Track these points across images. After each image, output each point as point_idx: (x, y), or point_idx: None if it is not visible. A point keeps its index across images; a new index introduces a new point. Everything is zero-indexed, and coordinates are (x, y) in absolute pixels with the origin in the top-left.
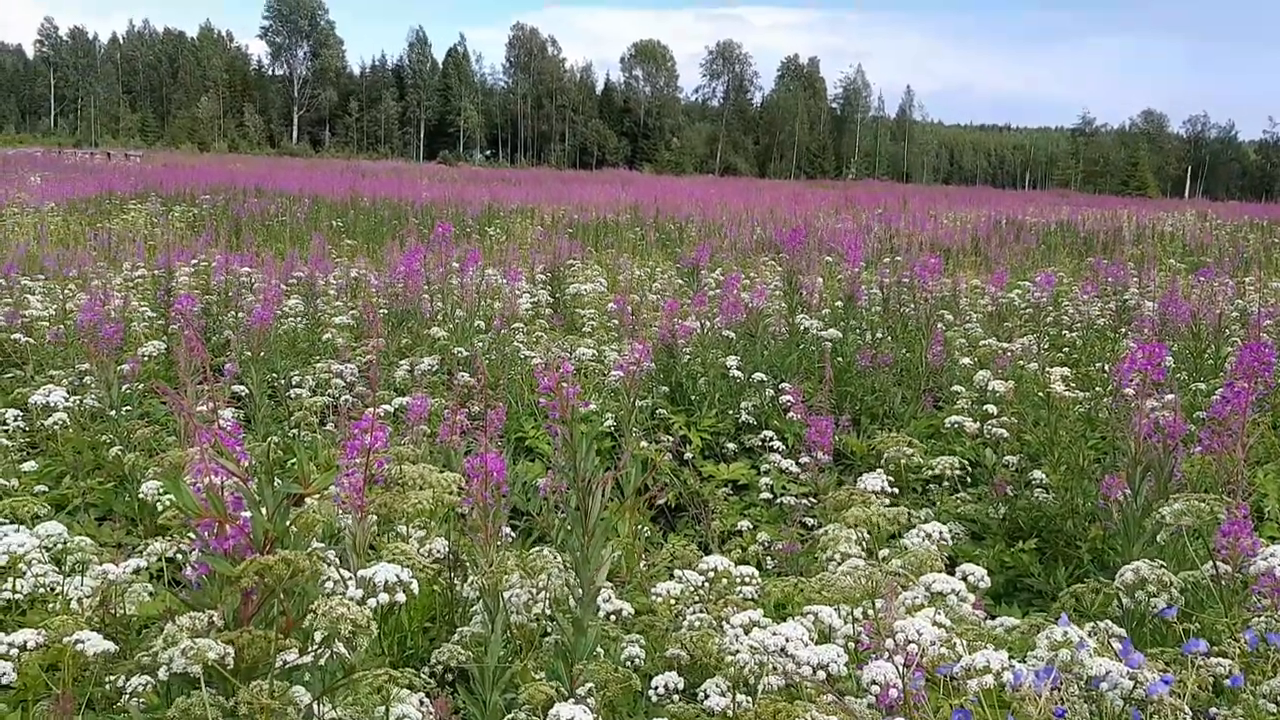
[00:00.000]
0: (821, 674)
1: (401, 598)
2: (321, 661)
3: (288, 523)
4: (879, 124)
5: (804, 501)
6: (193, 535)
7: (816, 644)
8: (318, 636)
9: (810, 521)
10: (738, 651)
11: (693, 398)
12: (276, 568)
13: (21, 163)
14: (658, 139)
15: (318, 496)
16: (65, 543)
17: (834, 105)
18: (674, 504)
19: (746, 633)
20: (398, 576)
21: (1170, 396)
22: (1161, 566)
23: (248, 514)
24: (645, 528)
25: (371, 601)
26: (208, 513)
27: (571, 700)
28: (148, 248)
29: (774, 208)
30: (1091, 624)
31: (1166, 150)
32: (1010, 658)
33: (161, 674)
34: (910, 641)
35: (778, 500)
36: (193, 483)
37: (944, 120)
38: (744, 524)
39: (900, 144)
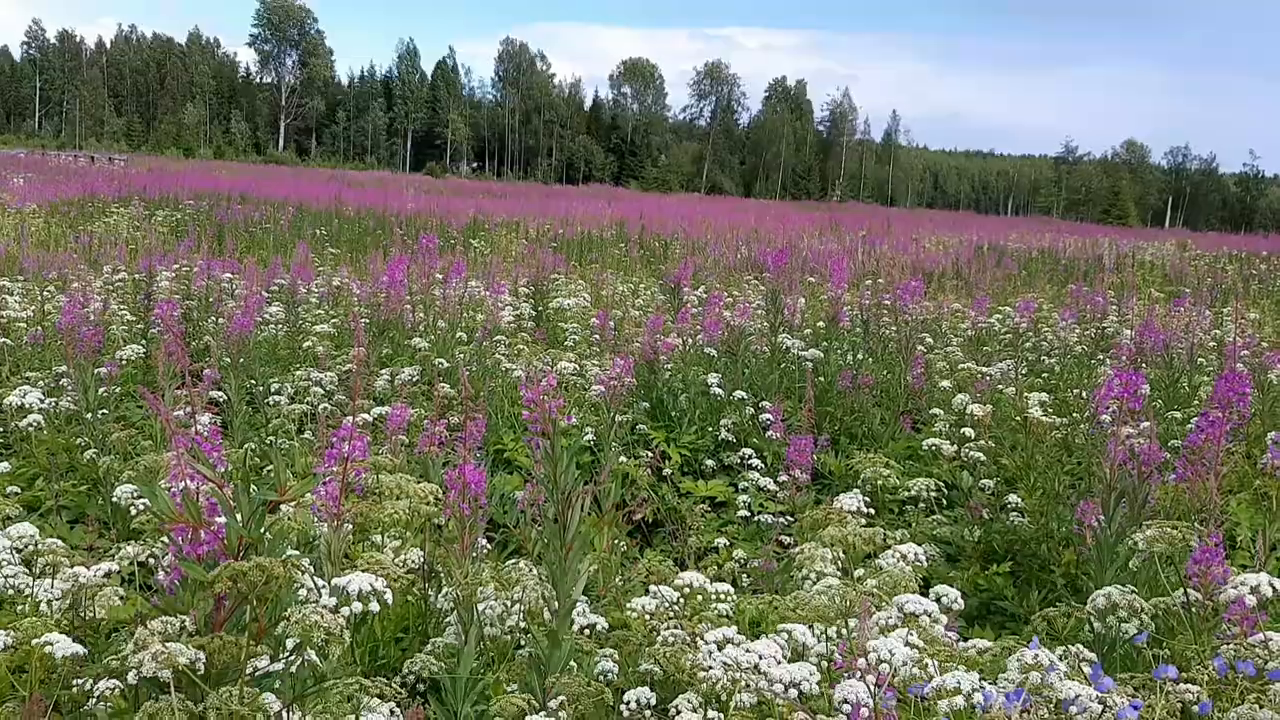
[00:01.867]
0: (794, 692)
1: (375, 607)
2: (293, 669)
3: (263, 529)
4: (865, 147)
5: (781, 520)
6: (166, 540)
7: (789, 662)
8: (290, 644)
9: (787, 540)
10: (710, 668)
11: (673, 414)
12: (251, 574)
13: (4, 163)
14: (644, 156)
15: (294, 504)
16: (36, 544)
17: (820, 128)
18: (651, 519)
19: (720, 649)
20: (371, 586)
21: (1146, 424)
22: (1133, 592)
23: (223, 520)
24: (622, 543)
25: (345, 610)
26: (183, 518)
27: (543, 713)
28: (129, 252)
29: (759, 227)
30: (1063, 648)
31: (1148, 180)
32: (982, 679)
33: (131, 678)
34: (883, 661)
35: (755, 518)
36: (169, 487)
37: (929, 145)
38: (721, 541)
39: (885, 167)
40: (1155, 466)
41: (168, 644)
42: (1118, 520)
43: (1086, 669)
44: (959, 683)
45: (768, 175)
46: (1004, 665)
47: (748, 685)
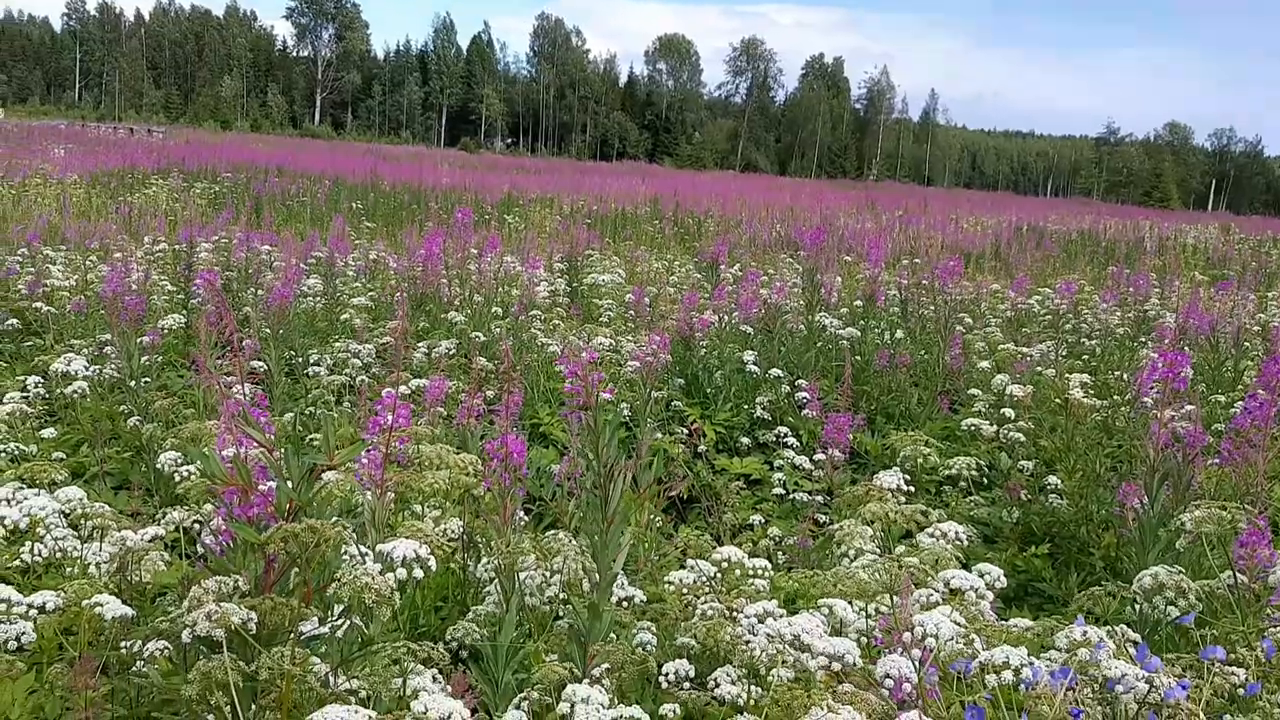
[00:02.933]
0: (837, 665)
1: (419, 573)
2: (339, 634)
3: (311, 494)
4: (902, 126)
5: (817, 498)
6: (212, 504)
7: (830, 637)
8: (338, 608)
9: (823, 518)
10: (750, 640)
11: (708, 391)
12: (303, 535)
13: (46, 135)
14: (679, 133)
15: (340, 471)
16: (84, 508)
17: (857, 106)
18: (686, 496)
19: (760, 623)
20: (415, 553)
21: (1190, 407)
22: (1180, 573)
23: (272, 484)
24: (657, 519)
25: (389, 577)
26: (233, 480)
27: (587, 681)
28: (168, 223)
29: (794, 206)
30: (1107, 628)
31: (1191, 163)
32: (1030, 656)
33: (185, 636)
34: (928, 635)
35: (790, 496)
36: (218, 452)
37: (967, 124)
38: (756, 518)
39: (923, 147)
40: (1200, 449)
41: (222, 603)
42: (1160, 502)
43: (1131, 650)
44: (1007, 658)
45: (803, 153)
46: (1049, 643)
47: (786, 660)
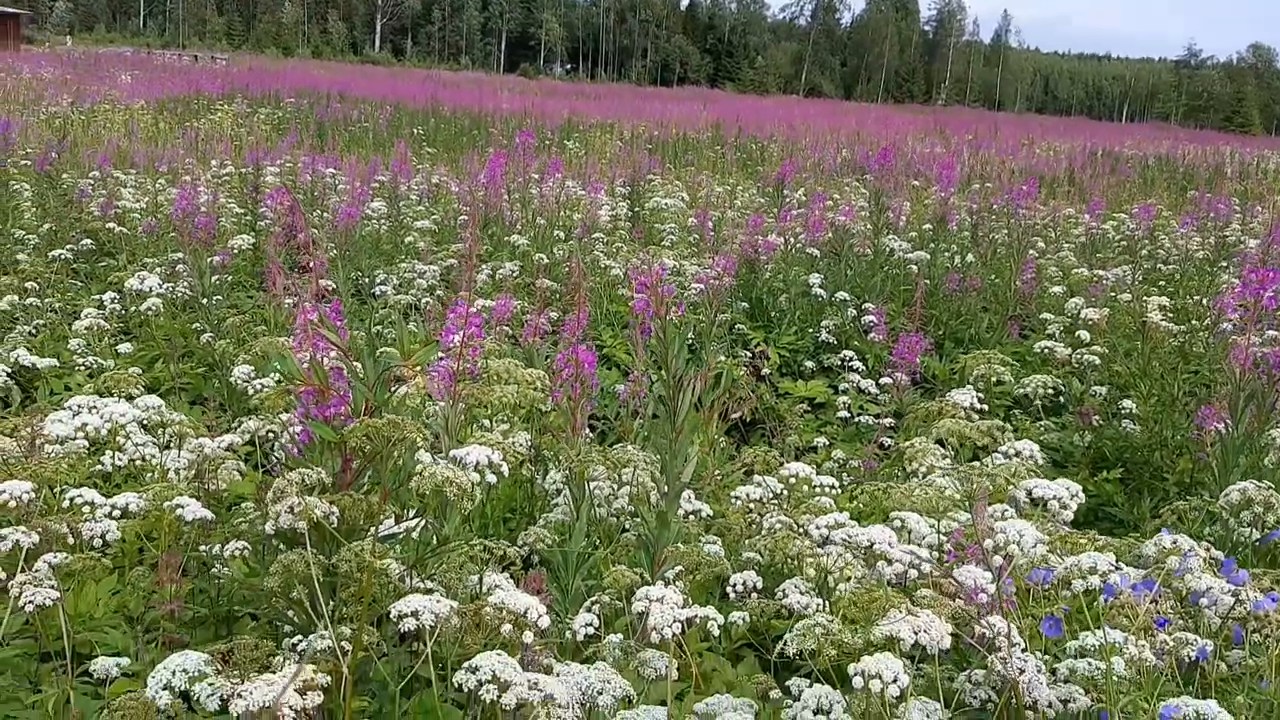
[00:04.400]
0: (914, 573)
1: (492, 478)
2: (415, 533)
3: (387, 395)
4: (972, 49)
5: (883, 421)
6: (286, 416)
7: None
8: (412, 511)
9: (888, 442)
10: (826, 543)
11: (773, 315)
12: (384, 429)
13: (112, 62)
14: (741, 57)
15: (413, 376)
16: (162, 416)
17: (926, 28)
18: (749, 420)
19: (830, 533)
20: (489, 458)
21: (1272, 333)
22: (1269, 488)
23: (348, 384)
24: (721, 440)
25: (468, 472)
26: (311, 381)
27: (660, 582)
28: (234, 147)
29: (860, 130)
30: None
31: (1275, 86)
32: (1117, 562)
33: (268, 528)
34: (1011, 543)
35: (855, 420)
36: (296, 355)
37: (1040, 47)
38: (820, 441)
39: (994, 70)
40: None
41: (305, 496)
42: (1245, 423)
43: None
44: (1094, 563)
45: (869, 78)
46: (1128, 560)
47: (854, 575)
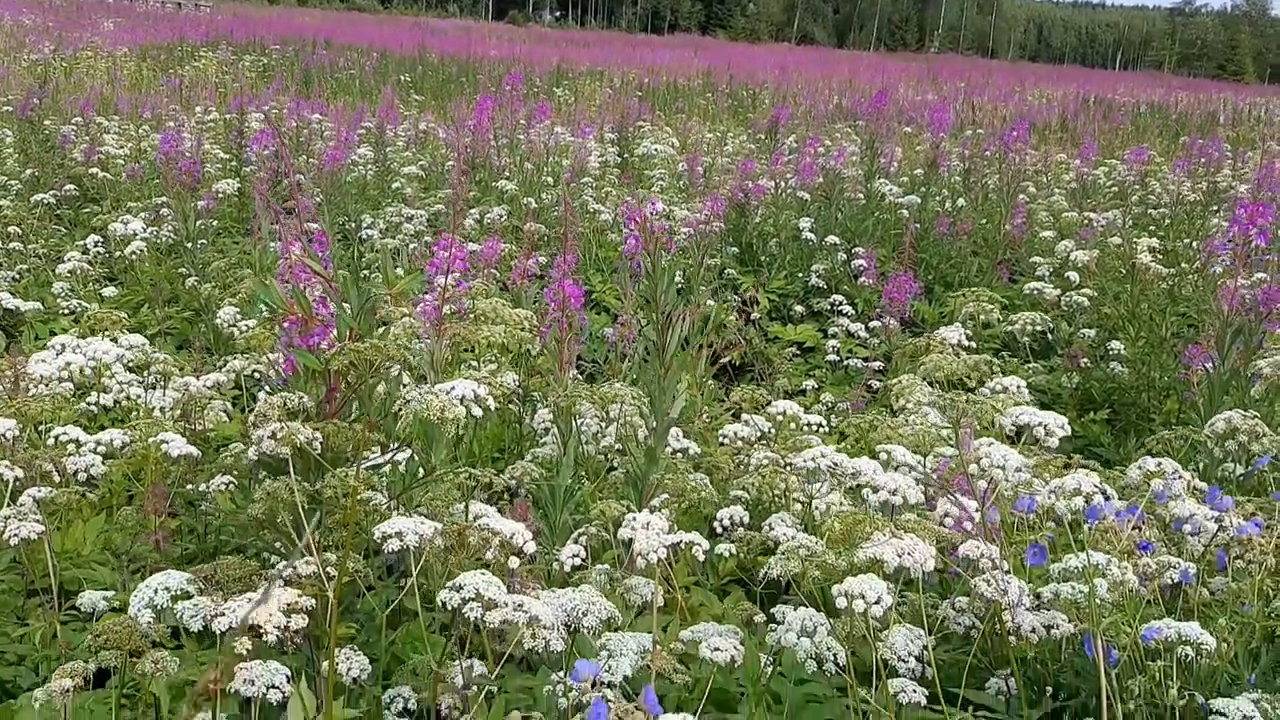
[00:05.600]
0: (898, 499)
1: (478, 412)
2: (401, 466)
3: (371, 324)
4: None
5: (872, 364)
6: (270, 358)
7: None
8: (401, 436)
9: (876, 385)
10: (812, 477)
11: (762, 259)
12: (368, 353)
13: (95, 9)
14: (733, 4)
15: (396, 311)
16: (146, 355)
17: None
18: (738, 364)
19: (818, 462)
20: (474, 392)
21: (1260, 275)
22: (1255, 417)
23: (333, 312)
24: (710, 381)
25: (454, 399)
26: (294, 309)
27: (646, 510)
28: (219, 94)
29: (853, 78)
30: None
31: (1269, 35)
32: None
33: (251, 454)
34: (996, 467)
35: (844, 363)
36: (281, 286)
37: None
38: (809, 384)
39: (987, 18)
40: (1275, 307)
41: (288, 423)
42: (1232, 359)
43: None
44: (1079, 484)
45: (862, 25)
46: (1114, 488)
47: (840, 504)
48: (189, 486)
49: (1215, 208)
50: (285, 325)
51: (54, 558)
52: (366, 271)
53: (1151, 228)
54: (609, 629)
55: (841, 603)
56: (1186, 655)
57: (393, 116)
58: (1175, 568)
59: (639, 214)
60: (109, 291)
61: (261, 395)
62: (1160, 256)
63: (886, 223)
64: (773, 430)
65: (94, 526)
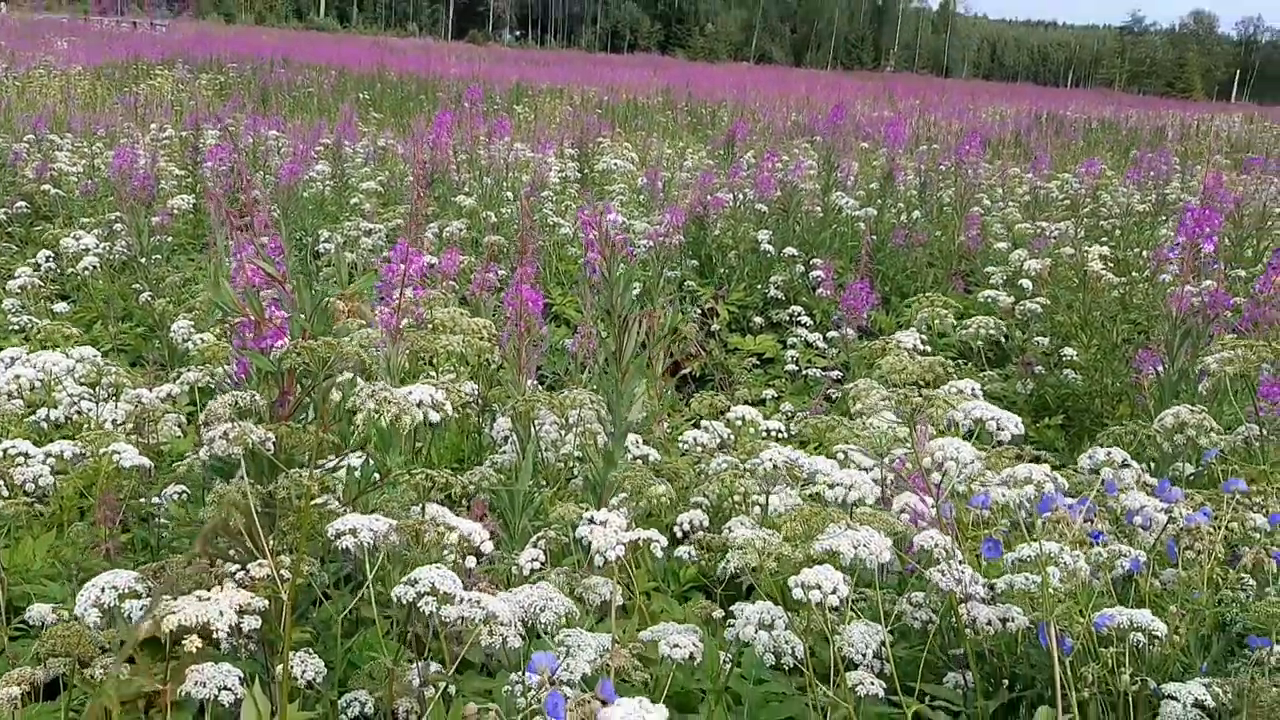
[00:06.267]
0: (854, 494)
1: (435, 417)
2: (357, 471)
3: (326, 325)
4: (921, 16)
5: (831, 373)
6: (225, 369)
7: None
8: (355, 441)
9: (835, 394)
10: (770, 466)
11: (722, 271)
12: (321, 350)
13: (49, 28)
14: (692, 24)
15: (350, 309)
16: (98, 367)
17: None
18: (699, 374)
19: (775, 458)
20: (432, 397)
21: (1208, 283)
22: (1202, 411)
23: (286, 314)
24: (670, 391)
25: (411, 395)
26: (246, 310)
27: (605, 508)
28: (175, 113)
29: (809, 95)
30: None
31: (1215, 53)
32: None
33: (202, 454)
34: (949, 459)
35: (803, 373)
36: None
37: (989, 14)
38: (769, 393)
39: (941, 38)
40: (1222, 309)
41: (240, 422)
42: (1181, 360)
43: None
44: (1030, 473)
45: (819, 45)
46: (1072, 467)
47: (792, 506)
48: (141, 500)
49: (1164, 218)
50: (238, 328)
51: (2, 573)
52: (323, 286)
53: (1103, 239)
54: (567, 624)
55: (799, 593)
56: (1139, 642)
57: (351, 133)
58: (1126, 556)
59: (595, 220)
60: (61, 308)
61: (214, 399)
62: (1111, 265)
63: (844, 235)
64: (732, 437)
65: (43, 543)
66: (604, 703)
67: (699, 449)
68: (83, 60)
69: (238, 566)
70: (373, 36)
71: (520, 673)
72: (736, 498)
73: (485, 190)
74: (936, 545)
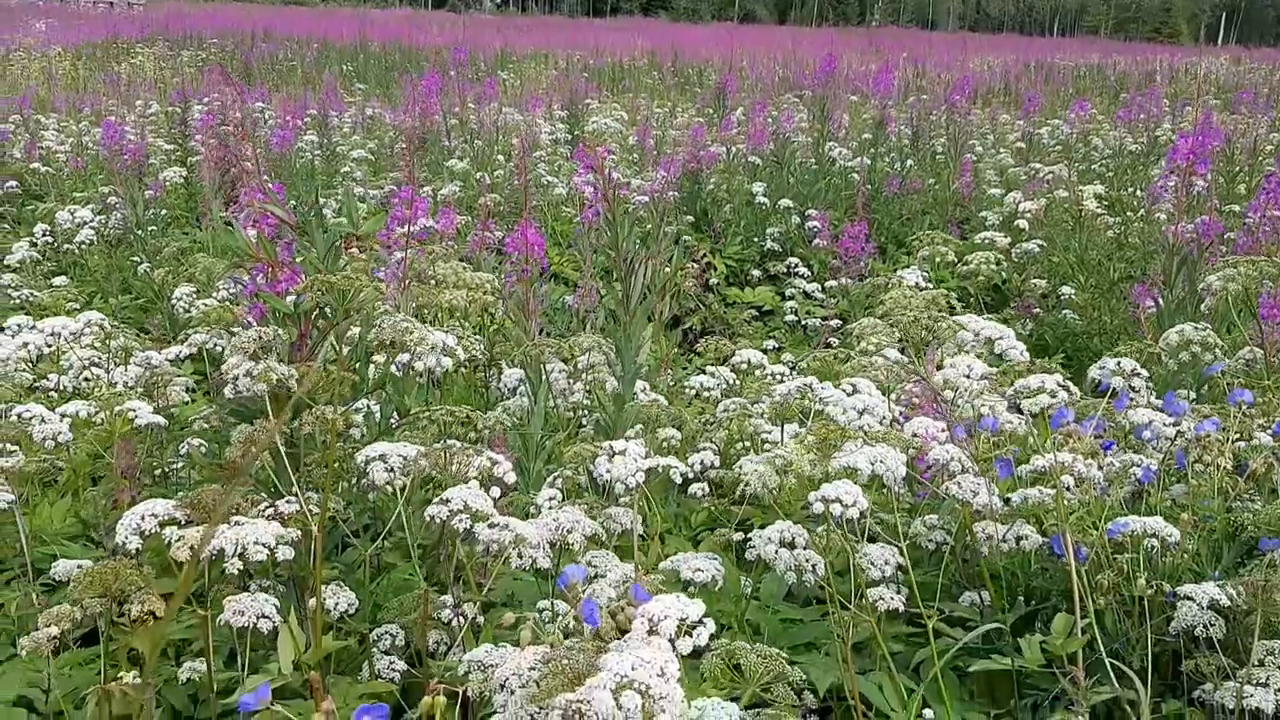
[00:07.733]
0: (867, 419)
1: (448, 362)
2: (377, 415)
3: (339, 265)
4: None
5: (830, 323)
6: (226, 331)
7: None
8: (377, 371)
9: (835, 343)
10: (780, 390)
11: (718, 225)
12: (339, 283)
13: (25, 11)
14: None
15: (357, 251)
16: (105, 329)
17: None
18: (699, 328)
19: (788, 386)
20: (444, 342)
21: (1202, 218)
22: (1206, 329)
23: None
24: (673, 346)
25: (429, 328)
26: (259, 254)
27: (622, 440)
28: (159, 90)
29: (796, 50)
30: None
31: None
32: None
33: (227, 392)
34: (963, 375)
35: (802, 323)
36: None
37: None
38: (769, 344)
39: None
40: (1216, 237)
41: (261, 361)
42: (1179, 288)
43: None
44: (1043, 382)
45: (804, 2)
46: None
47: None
48: (154, 464)
49: (1156, 159)
50: (251, 272)
51: (25, 530)
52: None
53: (1096, 181)
54: (594, 546)
55: (818, 508)
56: (1152, 548)
57: (338, 105)
58: (1138, 465)
59: (593, 159)
60: (60, 280)
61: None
62: (1105, 204)
63: (838, 185)
64: (738, 383)
65: (62, 507)
66: (636, 603)
67: (705, 394)
68: (61, 41)
69: (266, 503)
70: (353, 8)
71: (549, 599)
72: (745, 442)
73: (477, 153)
74: (953, 458)
